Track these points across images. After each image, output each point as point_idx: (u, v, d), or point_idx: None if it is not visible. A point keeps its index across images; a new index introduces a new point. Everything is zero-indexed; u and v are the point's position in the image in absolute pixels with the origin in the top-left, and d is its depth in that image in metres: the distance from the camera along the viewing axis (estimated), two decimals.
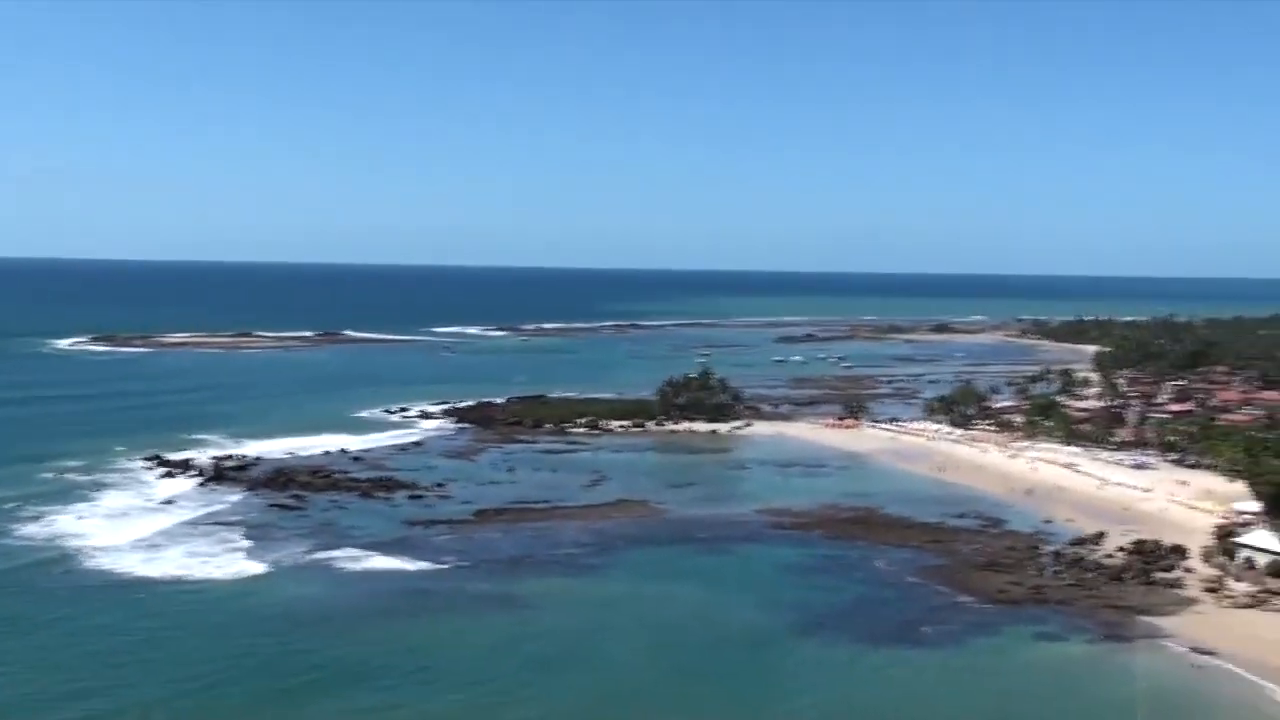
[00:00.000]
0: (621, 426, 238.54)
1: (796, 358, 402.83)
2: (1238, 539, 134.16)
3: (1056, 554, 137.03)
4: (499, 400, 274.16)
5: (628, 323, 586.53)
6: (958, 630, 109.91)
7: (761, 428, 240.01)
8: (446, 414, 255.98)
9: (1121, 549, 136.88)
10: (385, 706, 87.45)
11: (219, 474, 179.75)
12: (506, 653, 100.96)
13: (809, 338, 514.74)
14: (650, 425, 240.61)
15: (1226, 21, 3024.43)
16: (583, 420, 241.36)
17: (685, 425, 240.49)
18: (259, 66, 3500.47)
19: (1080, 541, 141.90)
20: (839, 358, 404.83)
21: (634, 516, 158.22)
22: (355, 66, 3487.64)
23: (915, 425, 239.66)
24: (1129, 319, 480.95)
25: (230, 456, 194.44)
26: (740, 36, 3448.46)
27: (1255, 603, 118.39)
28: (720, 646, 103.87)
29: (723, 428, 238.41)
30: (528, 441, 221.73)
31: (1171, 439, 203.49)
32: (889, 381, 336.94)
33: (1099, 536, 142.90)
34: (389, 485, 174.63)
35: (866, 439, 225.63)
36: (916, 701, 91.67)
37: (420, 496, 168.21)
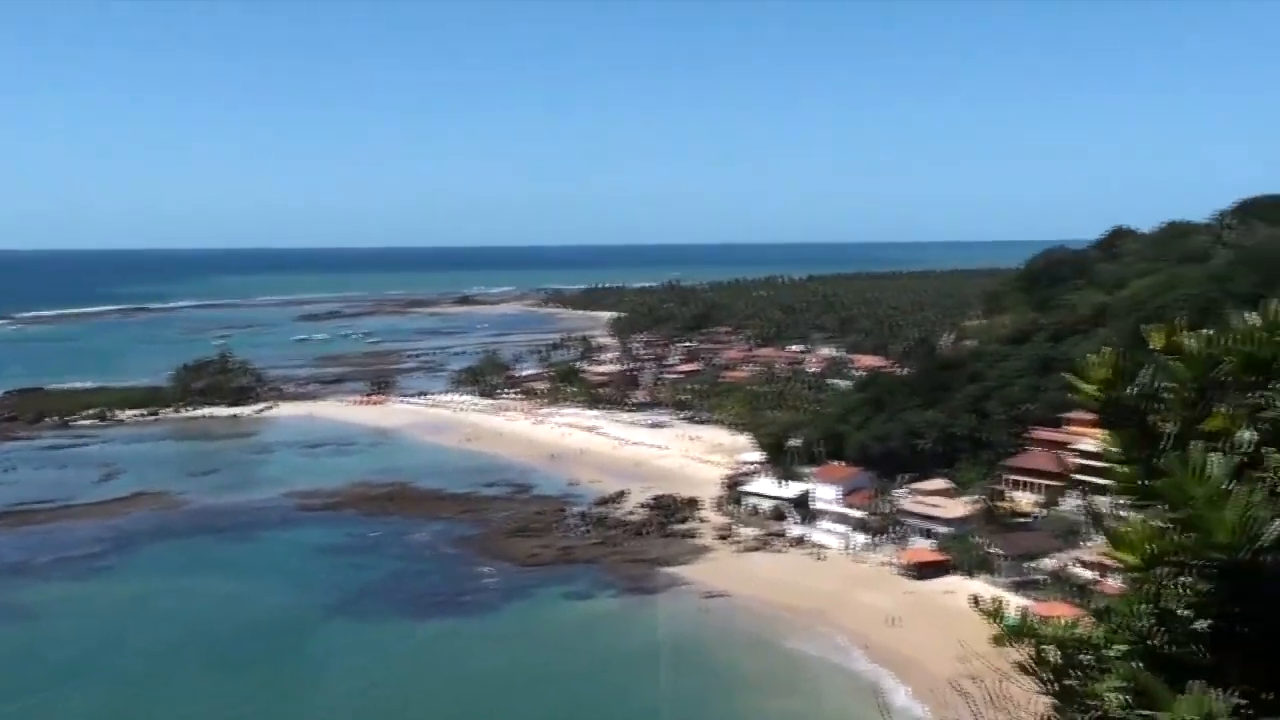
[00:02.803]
0: (134, 416, 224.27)
1: (321, 335, 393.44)
2: (744, 488, 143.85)
3: (583, 514, 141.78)
4: None
5: (135, 306, 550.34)
6: (492, 597, 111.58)
7: (287, 409, 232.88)
8: None
9: (642, 505, 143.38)
10: None
11: None
12: (20, 666, 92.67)
13: (333, 315, 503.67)
14: (166, 413, 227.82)
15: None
16: (90, 411, 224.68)
17: (205, 411, 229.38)
18: None
19: (604, 501, 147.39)
20: (364, 334, 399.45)
21: (153, 509, 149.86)
22: None
23: (443, 398, 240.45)
24: (640, 285, 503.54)
25: None
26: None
27: (761, 545, 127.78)
28: (253, 636, 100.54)
29: (245, 411, 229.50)
30: (27, 438, 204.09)
31: (683, 398, 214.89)
32: (415, 355, 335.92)
33: (621, 495, 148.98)
34: None
35: (395, 414, 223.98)
36: (454, 669, 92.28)
37: None
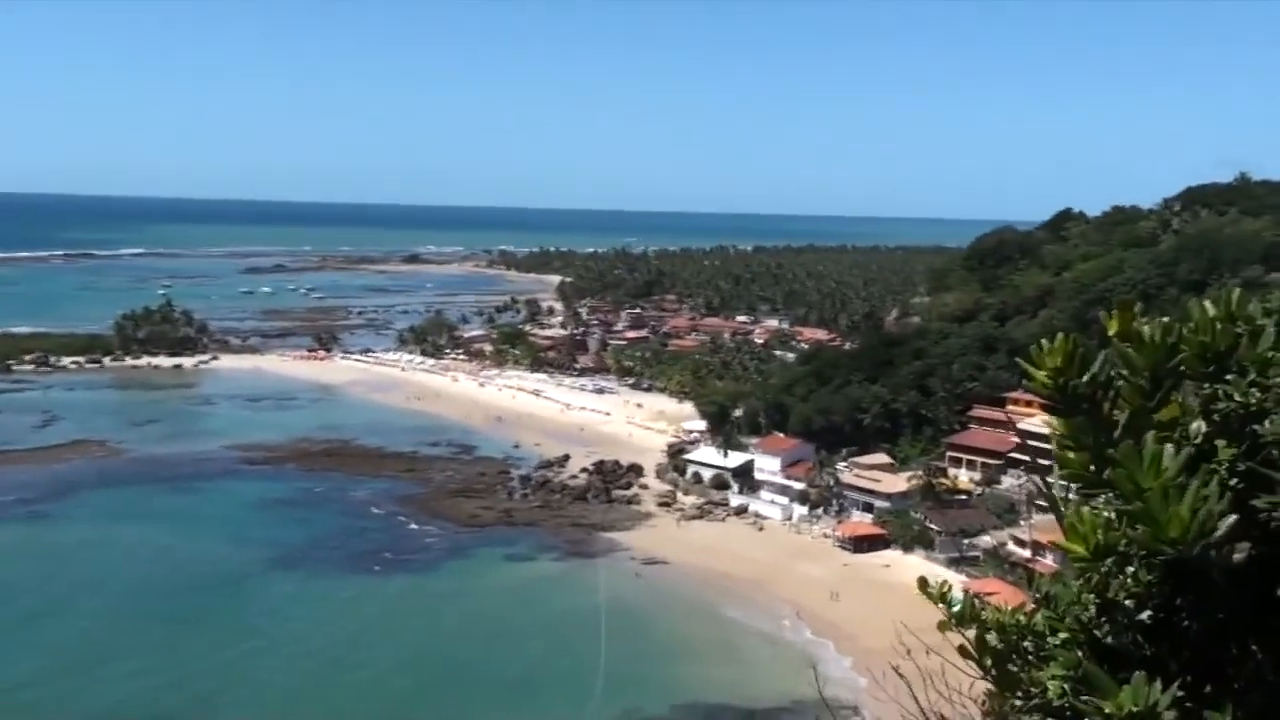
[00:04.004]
0: (75, 363, 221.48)
1: (265, 289, 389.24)
2: (687, 456, 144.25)
3: (525, 478, 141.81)
4: None
5: (80, 252, 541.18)
6: (433, 556, 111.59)
7: (230, 361, 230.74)
8: None
9: (585, 470, 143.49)
10: None
11: None
12: None
13: (279, 268, 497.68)
14: (108, 361, 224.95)
15: None
16: (30, 357, 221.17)
17: (147, 360, 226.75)
18: None
19: (547, 465, 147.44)
20: (309, 289, 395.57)
21: (92, 457, 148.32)
22: None
23: (388, 356, 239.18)
24: (590, 250, 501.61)
25: None
26: None
27: (701, 514, 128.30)
28: (196, 588, 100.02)
29: (188, 362, 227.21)
30: None
31: (628, 364, 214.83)
32: (361, 313, 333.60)
33: (564, 459, 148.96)
34: None
35: (339, 370, 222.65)
36: (392, 625, 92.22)
37: None
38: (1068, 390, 3.06)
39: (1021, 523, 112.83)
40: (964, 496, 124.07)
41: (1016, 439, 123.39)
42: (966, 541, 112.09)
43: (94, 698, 78.49)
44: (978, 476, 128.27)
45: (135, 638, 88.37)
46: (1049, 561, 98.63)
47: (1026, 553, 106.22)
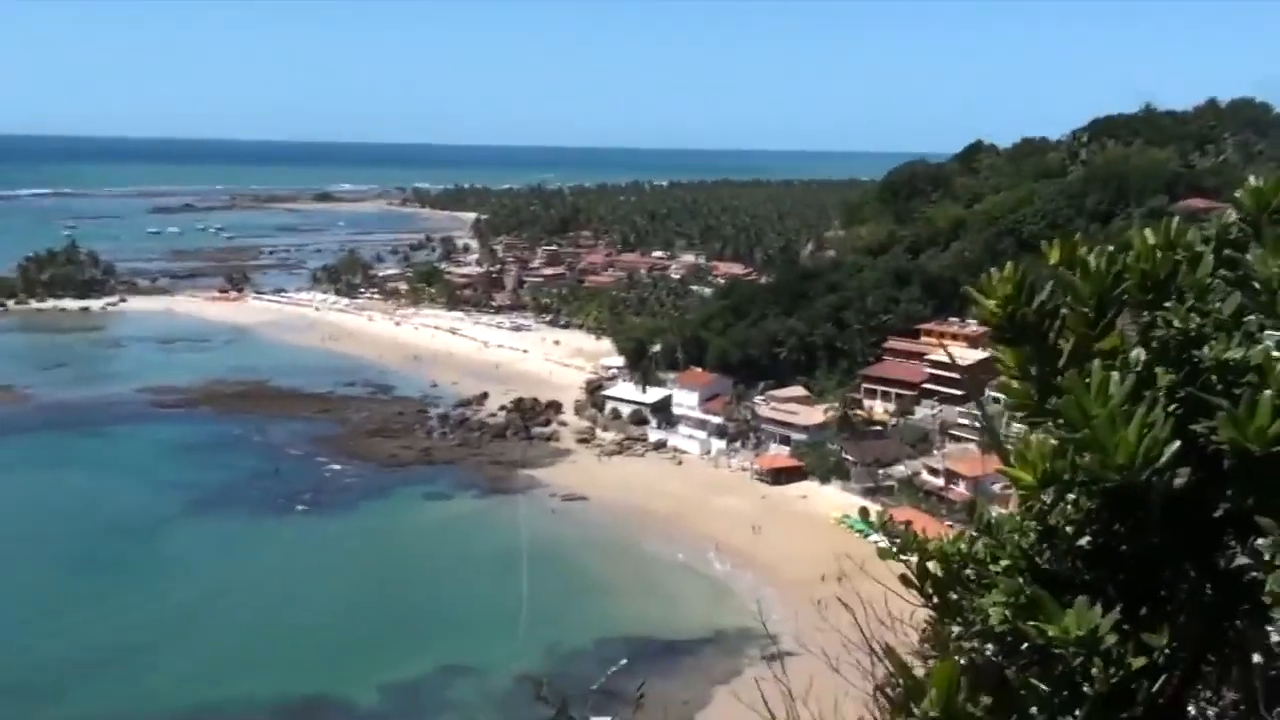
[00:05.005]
0: None
1: (173, 229, 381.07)
2: (605, 392, 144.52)
3: (443, 416, 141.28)
4: None
5: None
6: (351, 496, 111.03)
7: (139, 303, 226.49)
8: None
9: (503, 408, 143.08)
10: None
11: None
12: None
13: (187, 208, 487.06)
14: (12, 305, 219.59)
15: None
16: None
17: (53, 303, 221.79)
18: None
19: (465, 403, 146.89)
20: (219, 228, 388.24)
21: None
22: None
23: (302, 296, 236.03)
24: (505, 186, 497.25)
25: None
26: None
27: (621, 449, 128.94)
28: (108, 533, 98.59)
29: (95, 304, 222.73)
30: None
31: (545, 301, 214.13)
32: (273, 252, 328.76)
33: (483, 397, 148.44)
34: None
35: (252, 311, 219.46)
36: (313, 567, 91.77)
37: None
38: (1016, 319, 3.08)
39: (935, 452, 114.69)
40: (879, 427, 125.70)
41: (930, 370, 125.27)
42: (881, 471, 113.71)
43: (31, 651, 77.10)
44: (892, 407, 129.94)
45: (65, 588, 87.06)
46: (961, 490, 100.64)
47: (940, 481, 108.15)
